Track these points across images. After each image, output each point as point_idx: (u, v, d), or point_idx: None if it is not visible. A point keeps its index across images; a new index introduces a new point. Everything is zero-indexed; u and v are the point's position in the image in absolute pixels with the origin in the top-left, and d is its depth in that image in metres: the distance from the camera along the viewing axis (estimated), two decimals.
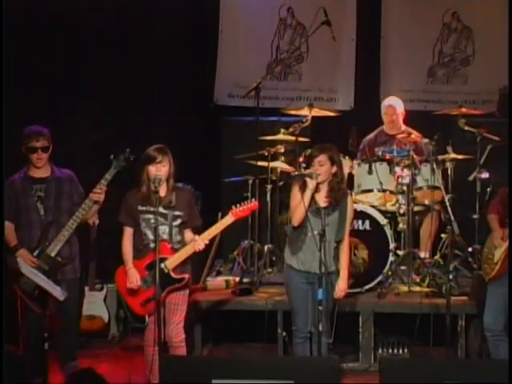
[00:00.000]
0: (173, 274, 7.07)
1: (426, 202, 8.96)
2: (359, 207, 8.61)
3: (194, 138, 8.55)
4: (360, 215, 8.58)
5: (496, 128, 8.90)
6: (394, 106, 9.36)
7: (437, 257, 8.91)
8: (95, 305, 9.07)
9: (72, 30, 9.74)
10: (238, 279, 8.91)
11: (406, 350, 8.44)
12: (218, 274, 9.14)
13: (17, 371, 5.98)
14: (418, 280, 8.73)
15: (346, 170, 8.76)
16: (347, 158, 8.91)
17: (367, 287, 8.59)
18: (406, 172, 8.78)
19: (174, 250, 7.13)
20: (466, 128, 9.04)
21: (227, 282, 8.89)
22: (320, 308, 7.18)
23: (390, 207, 8.90)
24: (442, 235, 8.85)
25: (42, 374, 6.78)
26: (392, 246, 8.62)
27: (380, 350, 8.45)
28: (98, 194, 7.33)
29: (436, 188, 8.75)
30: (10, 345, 7.48)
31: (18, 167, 7.75)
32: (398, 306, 8.54)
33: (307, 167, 7.46)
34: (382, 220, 8.66)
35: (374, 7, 10.35)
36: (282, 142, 9.01)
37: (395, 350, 8.48)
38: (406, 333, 8.42)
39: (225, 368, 6.68)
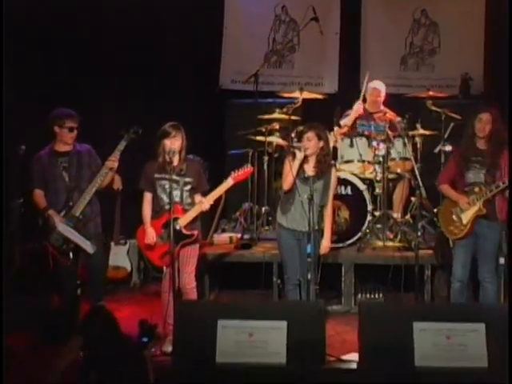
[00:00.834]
0: (184, 231, 7.16)
1: (399, 170, 9.01)
2: (342, 175, 8.66)
3: (203, 117, 8.60)
4: (343, 182, 8.64)
5: (458, 108, 8.94)
6: (378, 89, 9.39)
7: (407, 217, 8.95)
8: (119, 257, 9.13)
9: (94, 25, 9.67)
10: (239, 236, 8.97)
11: (380, 295, 8.52)
12: (223, 231, 9.19)
13: (53, 318, 5.99)
14: (391, 236, 8.78)
15: (331, 144, 8.82)
16: (332, 133, 8.93)
17: (348, 242, 8.66)
18: (382, 145, 8.82)
19: (185, 211, 7.20)
20: (433, 108, 9.07)
21: (230, 238, 8.95)
22: (309, 260, 7.27)
23: (368, 175, 8.95)
24: (412, 199, 8.90)
25: (75, 317, 6.82)
26: (369, 207, 8.69)
27: (359, 295, 8.53)
28: (112, 161, 7.51)
29: (407, 159, 8.81)
30: (47, 295, 7.54)
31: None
32: (374, 259, 8.62)
33: (298, 142, 7.50)
34: (361, 186, 8.72)
35: (355, 6, 10.35)
36: (277, 121, 9.03)
37: (372, 295, 8.56)
38: (381, 281, 8.48)
39: (229, 310, 6.76)
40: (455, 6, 10.29)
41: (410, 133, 8.92)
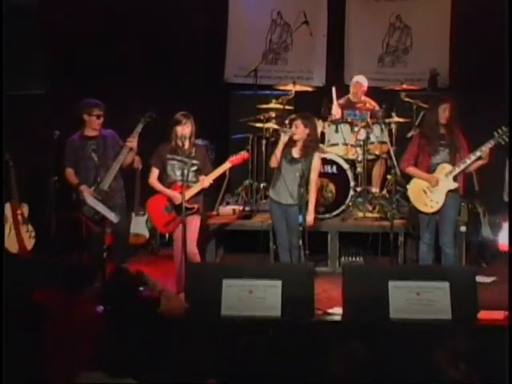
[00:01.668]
0: (186, 204, 7.14)
1: (377, 152, 9.02)
2: (328, 156, 8.68)
3: (211, 106, 8.61)
4: (329, 162, 8.66)
5: (427, 99, 8.89)
6: (361, 82, 9.40)
7: (384, 192, 8.96)
8: (139, 226, 9.14)
9: (116, 25, 9.65)
10: (241, 208, 8.99)
11: (361, 258, 8.57)
12: (227, 204, 9.20)
13: (83, 274, 6.01)
14: (370, 208, 8.80)
15: (319, 130, 8.85)
16: (320, 120, 8.95)
17: (334, 213, 8.68)
18: (363, 131, 8.84)
19: (189, 187, 7.22)
20: (406, 99, 9.08)
21: (233, 210, 8.97)
22: (300, 228, 7.32)
23: (350, 156, 8.95)
24: (388, 176, 8.90)
25: (101, 275, 6.86)
26: (352, 184, 8.69)
27: (343, 258, 8.56)
28: (131, 142, 7.53)
29: (384, 142, 8.82)
30: (79, 254, 7.57)
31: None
32: (356, 227, 8.65)
33: (290, 128, 7.54)
34: (345, 165, 8.72)
35: (340, 12, 10.32)
36: (273, 109, 9.02)
37: (353, 258, 8.59)
38: (362, 246, 8.53)
39: (232, 271, 6.79)
40: (425, 11, 10.27)
41: (387, 120, 8.92)
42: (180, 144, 7.23)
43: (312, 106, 9.22)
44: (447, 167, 7.39)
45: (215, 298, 6.47)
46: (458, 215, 7.66)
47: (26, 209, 8.56)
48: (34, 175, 8.77)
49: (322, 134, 8.94)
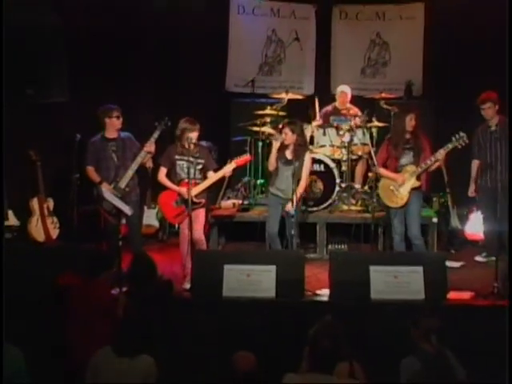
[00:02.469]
0: (194, 199, 7.18)
1: (359, 153, 8.98)
2: (317, 156, 8.63)
3: (213, 112, 8.59)
4: (317, 161, 8.61)
5: (403, 106, 8.88)
6: (345, 91, 9.30)
7: (365, 187, 8.91)
8: (150, 218, 9.10)
9: (130, 40, 9.58)
10: (240, 202, 8.95)
11: (345, 246, 8.51)
12: (228, 198, 9.14)
13: (101, 260, 5.99)
14: (353, 202, 8.75)
15: (309, 133, 8.86)
16: (310, 125, 8.95)
17: (322, 207, 8.63)
18: (347, 134, 8.80)
19: (196, 184, 7.28)
20: (385, 106, 9.04)
21: (234, 203, 8.91)
22: (292, 220, 7.34)
23: (336, 156, 8.90)
24: (369, 174, 8.84)
25: (118, 261, 6.86)
26: (338, 180, 8.64)
27: (330, 246, 8.50)
28: (149, 147, 7.47)
29: (365, 144, 8.77)
30: (98, 243, 7.56)
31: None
32: (341, 219, 8.58)
33: (280, 134, 7.60)
34: (331, 164, 8.67)
35: (327, 29, 10.28)
36: (269, 115, 8.99)
37: (339, 246, 8.55)
38: (346, 235, 8.48)
39: (232, 258, 6.82)
40: (401, 30, 10.23)
41: (368, 124, 8.87)
42: (187, 146, 7.24)
43: (303, 112, 9.20)
44: (412, 168, 7.43)
45: (217, 280, 6.51)
46: (421, 208, 7.69)
47: (51, 203, 8.55)
48: (58, 173, 8.75)
49: (312, 136, 8.91)
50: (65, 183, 8.14)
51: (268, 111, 8.97)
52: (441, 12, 9.66)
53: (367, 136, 8.78)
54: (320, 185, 8.62)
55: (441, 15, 9.68)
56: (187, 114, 7.54)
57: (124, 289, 6.15)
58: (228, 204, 8.84)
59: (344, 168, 8.84)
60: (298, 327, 5.73)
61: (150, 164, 7.99)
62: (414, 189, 7.44)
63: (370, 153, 8.50)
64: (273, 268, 6.52)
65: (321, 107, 9.42)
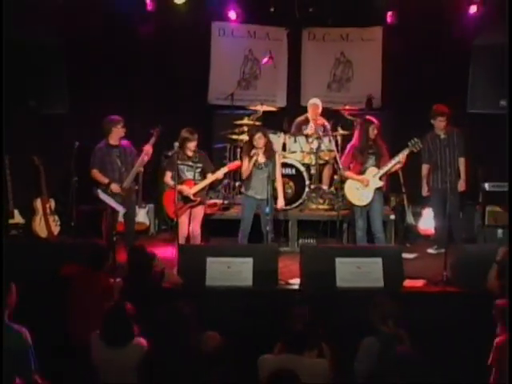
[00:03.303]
0: (192, 197, 7.45)
1: (326, 158, 8.96)
2: (289, 161, 8.63)
3: (197, 122, 8.48)
4: (289, 165, 8.60)
5: (366, 118, 8.87)
6: (317, 104, 9.21)
7: (332, 188, 8.92)
8: (141, 216, 8.98)
9: (128, 60, 9.52)
10: (222, 201, 8.92)
11: (314, 240, 8.50)
12: (211, 198, 9.09)
13: (102, 254, 5.94)
14: (321, 202, 8.74)
15: (281, 141, 8.85)
16: (282, 134, 8.93)
17: (293, 206, 8.59)
18: (315, 141, 8.80)
19: (195, 184, 7.51)
20: (349, 117, 9.06)
21: (216, 203, 8.86)
22: (267, 217, 7.33)
23: (306, 161, 8.87)
24: (335, 176, 8.87)
25: (112, 253, 6.79)
26: (307, 182, 8.63)
27: (300, 240, 8.48)
28: (148, 150, 7.57)
29: (331, 150, 8.76)
30: (99, 239, 7.50)
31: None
32: (310, 216, 8.57)
33: (250, 140, 7.66)
34: (302, 168, 8.65)
35: (297, 49, 10.24)
36: (246, 125, 8.97)
37: (309, 240, 8.53)
38: (315, 231, 8.48)
39: (214, 251, 6.79)
40: (362, 50, 10.20)
41: (334, 133, 8.89)
42: (188, 153, 7.47)
43: (276, 122, 9.22)
44: (374, 170, 7.49)
45: (201, 271, 6.48)
46: (383, 206, 7.72)
47: (52, 203, 8.47)
48: (59, 176, 8.67)
49: (284, 144, 8.88)
50: (65, 185, 8.07)
51: (245, 121, 8.96)
52: (396, 35, 9.69)
53: (333, 143, 8.79)
54: (292, 186, 8.61)
55: (396, 37, 9.71)
56: (175, 123, 7.69)
57: (118, 279, 6.11)
58: (211, 203, 8.79)
59: (313, 171, 8.83)
60: (273, 312, 5.73)
61: (140, 169, 7.95)
62: (377, 189, 7.49)
63: (335, 158, 8.54)
64: (250, 260, 6.50)
65: (292, 118, 9.38)
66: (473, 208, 8.67)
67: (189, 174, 7.53)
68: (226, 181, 8.82)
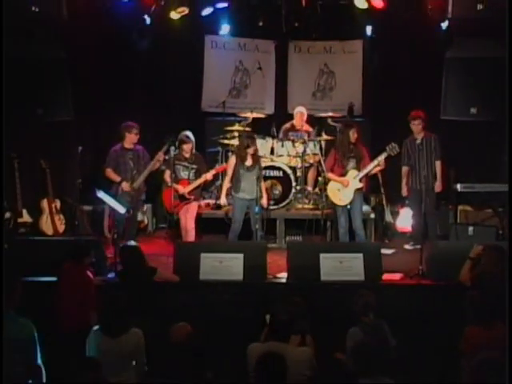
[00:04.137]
0: (186, 195, 7.64)
1: (311, 161, 8.90)
2: (276, 164, 8.59)
3: (192, 129, 8.42)
4: (277, 168, 8.56)
5: (347, 123, 8.84)
6: (303, 112, 9.18)
7: (316, 189, 8.88)
8: (140, 214, 8.94)
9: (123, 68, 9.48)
10: (214, 201, 8.88)
11: (300, 237, 8.46)
12: (204, 198, 9.06)
13: (81, 250, 5.90)
14: (306, 202, 8.69)
15: (270, 146, 8.83)
16: (270, 139, 8.90)
17: (281, 205, 8.54)
18: (301, 146, 8.76)
19: (189, 184, 7.66)
20: (332, 123, 9.03)
21: (208, 203, 8.82)
22: (257, 217, 7.33)
23: (292, 164, 8.81)
24: (319, 178, 8.81)
25: (114, 250, 6.74)
26: (293, 184, 8.58)
27: (287, 238, 8.46)
28: (160, 156, 7.65)
29: (316, 154, 8.76)
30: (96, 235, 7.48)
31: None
32: (296, 215, 8.51)
33: (244, 147, 7.68)
34: (288, 170, 8.59)
35: (284, 61, 10.21)
36: (237, 131, 8.93)
37: (295, 237, 8.50)
38: (301, 228, 8.42)
39: (207, 247, 6.79)
40: (344, 61, 10.15)
41: (318, 138, 8.86)
42: (184, 154, 7.66)
43: (264, 128, 9.15)
44: (354, 172, 7.49)
45: (195, 266, 6.47)
46: (362, 205, 7.73)
47: (58, 203, 8.40)
48: (64, 178, 8.63)
49: (272, 148, 8.86)
50: (70, 187, 8.04)
51: (236, 127, 8.92)
52: (376, 47, 9.70)
53: (317, 147, 8.79)
54: (279, 188, 8.57)
55: (376, 50, 9.72)
56: (172, 129, 7.72)
57: (111, 274, 6.14)
58: (204, 203, 8.76)
59: (299, 174, 8.78)
60: (261, 304, 5.73)
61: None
62: (357, 190, 7.49)
63: (319, 161, 8.54)
64: (241, 256, 6.50)
65: (280, 124, 9.36)
66: (446, 207, 8.69)
67: (184, 174, 7.69)
68: (218, 182, 8.78)
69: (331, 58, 10.25)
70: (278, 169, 8.62)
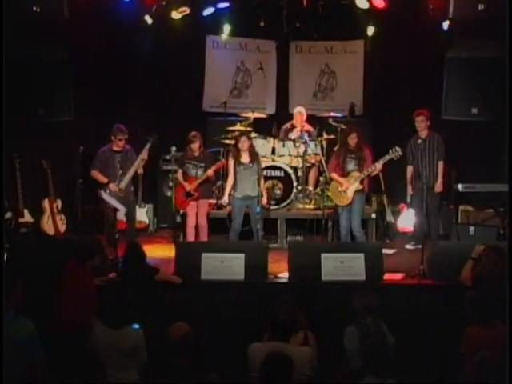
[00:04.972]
0: (191, 192, 7.76)
1: (312, 161, 8.92)
2: (278, 164, 8.61)
3: (194, 128, 8.39)
4: (278, 168, 8.58)
5: (346, 124, 8.87)
6: (302, 112, 9.17)
7: (317, 189, 8.88)
8: (141, 215, 8.94)
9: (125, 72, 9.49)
10: (215, 201, 8.87)
11: (301, 237, 8.47)
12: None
13: (85, 251, 5.90)
14: (307, 201, 8.72)
15: (271, 146, 8.84)
16: (272, 139, 8.92)
17: (282, 205, 8.57)
18: (302, 146, 8.76)
19: (196, 180, 7.77)
20: (333, 123, 9.03)
21: (210, 203, 8.77)
22: (257, 216, 7.33)
23: (293, 164, 8.83)
24: (320, 178, 8.82)
25: (114, 249, 6.79)
26: (295, 184, 8.60)
27: (288, 237, 8.46)
28: (143, 155, 7.63)
29: (317, 154, 8.76)
30: (101, 235, 7.48)
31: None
32: (297, 215, 8.53)
33: (235, 144, 7.85)
34: (290, 170, 8.62)
35: (285, 61, 10.22)
36: (238, 130, 8.92)
37: (296, 237, 8.50)
38: (302, 228, 8.43)
39: (209, 247, 6.80)
40: (345, 61, 10.17)
41: (319, 138, 8.88)
42: (193, 153, 7.74)
43: (265, 128, 9.17)
44: (356, 174, 7.50)
45: (197, 266, 6.47)
46: (363, 207, 7.74)
47: (59, 203, 8.43)
48: (65, 178, 8.63)
49: (273, 148, 8.87)
50: (71, 187, 8.04)
51: (237, 127, 8.93)
52: (377, 47, 9.69)
53: (318, 147, 8.78)
54: (280, 187, 8.59)
55: (377, 50, 9.71)
56: (173, 129, 7.85)
57: (113, 274, 6.15)
58: (210, 203, 8.75)
59: (300, 174, 8.79)
60: (263, 304, 5.73)
61: (141, 171, 7.94)
62: (357, 191, 7.50)
63: (320, 161, 8.54)
64: (242, 256, 6.50)
65: (281, 124, 9.37)
66: (447, 207, 8.69)
67: (193, 172, 7.80)
68: (219, 182, 8.79)
69: (332, 58, 10.25)
70: (279, 169, 8.63)
